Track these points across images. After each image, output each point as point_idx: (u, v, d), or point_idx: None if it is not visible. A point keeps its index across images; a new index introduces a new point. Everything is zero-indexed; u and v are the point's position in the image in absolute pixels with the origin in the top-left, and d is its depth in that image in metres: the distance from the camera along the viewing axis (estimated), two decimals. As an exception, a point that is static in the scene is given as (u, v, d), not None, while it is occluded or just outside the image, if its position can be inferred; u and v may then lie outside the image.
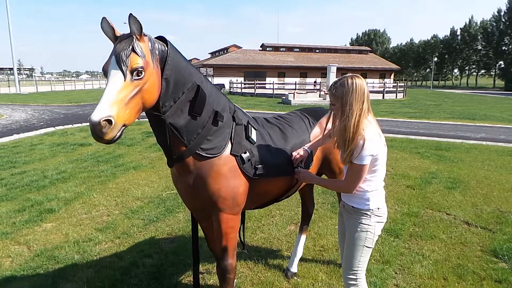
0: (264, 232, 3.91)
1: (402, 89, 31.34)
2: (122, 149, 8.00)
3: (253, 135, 2.17)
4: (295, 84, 29.56)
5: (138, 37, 1.66)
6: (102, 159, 7.01)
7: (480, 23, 68.44)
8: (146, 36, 1.71)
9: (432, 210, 4.52)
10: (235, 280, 2.46)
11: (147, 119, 1.94)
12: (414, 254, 3.39)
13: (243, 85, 33.41)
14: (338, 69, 26.23)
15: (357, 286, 2.03)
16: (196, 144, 1.94)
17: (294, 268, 3.05)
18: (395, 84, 33.00)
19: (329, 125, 2.12)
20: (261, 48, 47.76)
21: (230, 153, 2.04)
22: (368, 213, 1.95)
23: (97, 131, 1.52)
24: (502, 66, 66.02)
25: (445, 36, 75.96)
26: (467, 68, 76.78)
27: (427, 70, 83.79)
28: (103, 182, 5.59)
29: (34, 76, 63.31)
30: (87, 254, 3.42)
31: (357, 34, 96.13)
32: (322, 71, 38.38)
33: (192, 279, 2.57)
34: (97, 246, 3.57)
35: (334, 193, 4.66)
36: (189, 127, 1.91)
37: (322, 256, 3.37)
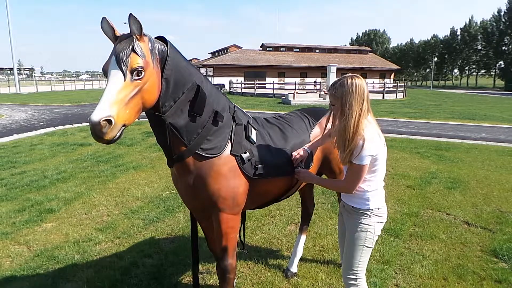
0: (264, 232, 3.91)
1: (402, 89, 31.34)
2: (122, 149, 8.01)
3: (253, 135, 2.17)
4: (295, 84, 29.56)
5: (138, 37, 1.66)
6: (102, 159, 7.01)
7: (480, 23, 68.45)
8: (146, 36, 1.71)
9: (432, 210, 4.52)
10: (235, 280, 2.46)
11: (147, 119, 1.94)
12: (414, 254, 3.39)
13: (243, 85, 33.41)
14: (338, 69, 26.22)
15: (357, 286, 2.03)
16: (196, 144, 1.94)
17: (294, 268, 3.05)
18: (395, 84, 33.01)
19: (329, 125, 2.12)
20: (261, 48, 47.76)
21: (230, 153, 2.04)
22: (368, 213, 1.95)
23: (97, 131, 1.52)
24: (502, 66, 66.02)
25: (445, 36, 76.03)
26: (467, 68, 76.80)
27: (427, 70, 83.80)
28: (103, 182, 5.59)
29: (34, 76, 63.33)
30: (87, 254, 3.42)
31: (357, 34, 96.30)
32: (322, 71, 38.38)
33: (192, 279, 2.57)
34: (97, 246, 3.57)
35: (334, 193, 4.66)
36: (189, 127, 1.90)
37: (322, 256, 3.37)
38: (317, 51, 49.31)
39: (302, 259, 3.20)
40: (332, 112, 1.96)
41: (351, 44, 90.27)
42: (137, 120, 2.23)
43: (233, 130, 2.08)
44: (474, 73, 77.80)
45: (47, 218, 4.23)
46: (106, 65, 1.66)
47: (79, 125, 11.96)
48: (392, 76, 49.31)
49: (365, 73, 45.12)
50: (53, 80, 57.08)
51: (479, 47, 69.55)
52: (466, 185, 5.49)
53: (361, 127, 1.81)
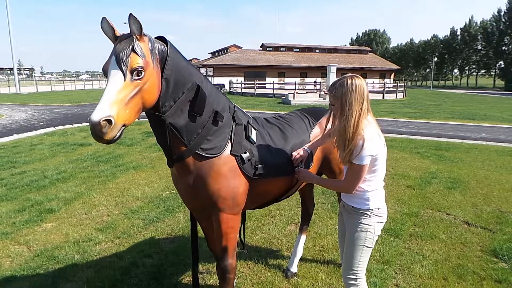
0: (264, 232, 3.91)
1: (402, 89, 31.34)
2: (122, 149, 8.01)
3: (253, 135, 2.17)
4: (295, 84, 29.56)
5: (138, 37, 1.66)
6: (102, 159, 7.01)
7: (480, 23, 68.45)
8: (146, 36, 1.71)
9: (432, 210, 4.52)
10: (235, 280, 2.46)
11: (147, 119, 1.94)
12: (414, 254, 3.39)
13: (243, 85, 33.41)
14: (338, 69, 26.22)
15: (357, 286, 2.03)
16: (196, 144, 1.94)
17: (294, 268, 3.05)
18: (395, 84, 33.00)
19: (329, 125, 2.12)
20: (261, 48, 47.76)
21: (230, 153, 2.04)
22: (368, 213, 1.95)
23: (97, 131, 1.52)
24: (502, 66, 66.02)
25: (445, 36, 76.02)
26: (467, 68, 76.79)
27: (427, 70, 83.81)
28: (103, 182, 5.59)
29: (34, 76, 63.32)
30: (87, 254, 3.42)
31: (357, 34, 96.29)
32: (322, 71, 38.38)
33: (192, 279, 2.57)
34: (97, 246, 3.57)
35: (334, 193, 4.66)
36: (189, 127, 1.90)
37: (322, 256, 3.37)
38: (317, 51, 49.31)
39: (302, 259, 3.20)
40: (332, 112, 1.96)
41: (351, 44, 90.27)
42: (137, 120, 2.23)
43: (233, 130, 2.08)
44: (474, 73, 77.81)
45: (47, 218, 4.23)
46: (106, 65, 1.66)
47: (79, 125, 11.96)
48: (392, 76, 49.31)
49: (365, 73, 45.12)
50: (53, 80, 57.08)
51: (479, 47, 69.55)
52: (466, 185, 5.49)
53: (361, 127, 1.81)
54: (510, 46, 63.48)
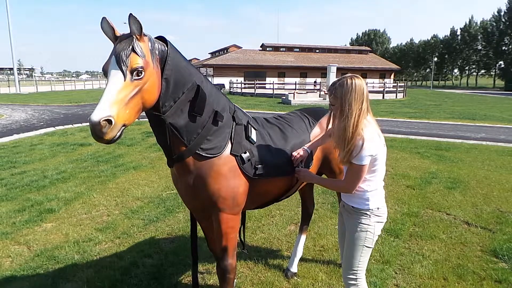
0: (264, 232, 3.91)
1: (402, 89, 31.34)
2: (122, 149, 8.01)
3: (253, 135, 2.17)
4: (295, 84, 29.56)
5: (138, 37, 1.66)
6: (102, 159, 7.01)
7: (480, 23, 68.46)
8: (146, 36, 1.71)
9: (432, 210, 4.52)
10: (235, 280, 2.46)
11: (147, 119, 1.94)
12: (414, 254, 3.39)
13: (243, 85, 33.41)
14: (338, 69, 26.22)
15: (357, 286, 2.03)
16: (196, 144, 1.94)
17: (294, 268, 3.05)
18: (395, 84, 33.00)
19: (329, 125, 2.12)
20: (261, 48, 47.76)
21: (230, 153, 2.04)
22: (368, 213, 1.95)
23: (97, 131, 1.52)
24: (502, 66, 66.03)
25: (445, 36, 76.04)
26: (467, 68, 76.80)
27: (427, 70, 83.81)
28: (103, 182, 5.59)
29: (34, 76, 63.32)
30: (87, 254, 3.42)
31: (357, 34, 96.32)
32: (322, 71, 38.38)
33: (191, 279, 2.57)
34: (97, 246, 3.57)
35: (334, 193, 4.66)
36: (189, 127, 1.90)
37: (322, 256, 3.37)
38: (317, 51, 49.31)
39: (302, 259, 3.20)
40: (332, 112, 1.96)
41: (351, 44, 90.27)
42: (137, 120, 2.23)
43: (233, 130, 2.08)
44: (474, 73, 77.81)
45: (47, 218, 4.23)
46: (106, 65, 1.66)
47: (79, 125, 11.96)
48: (392, 76, 49.31)
49: (365, 73, 45.12)
50: (53, 80, 57.08)
51: (479, 47, 69.56)
52: (466, 185, 5.49)
53: (361, 127, 1.81)
54: (510, 46, 63.49)
